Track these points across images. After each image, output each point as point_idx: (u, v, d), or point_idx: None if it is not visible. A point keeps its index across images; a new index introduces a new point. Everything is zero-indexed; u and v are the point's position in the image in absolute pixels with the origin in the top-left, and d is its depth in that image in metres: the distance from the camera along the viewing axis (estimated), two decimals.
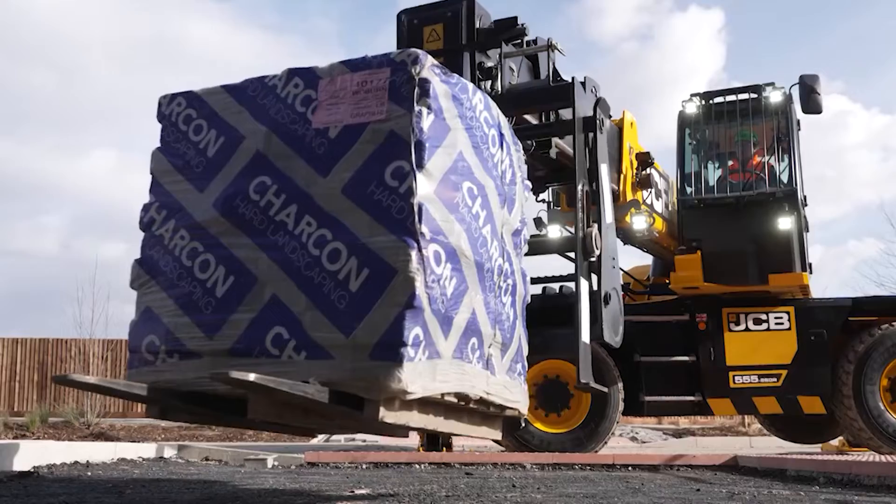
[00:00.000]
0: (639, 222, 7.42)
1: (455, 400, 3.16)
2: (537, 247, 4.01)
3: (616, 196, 6.94)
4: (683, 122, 8.73)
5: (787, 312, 8.01)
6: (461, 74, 4.35)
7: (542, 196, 7.52)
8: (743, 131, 8.55)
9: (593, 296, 3.91)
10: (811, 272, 8.15)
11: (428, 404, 3.11)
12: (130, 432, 13.47)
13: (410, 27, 4.57)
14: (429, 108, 3.04)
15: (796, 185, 8.14)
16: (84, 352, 15.49)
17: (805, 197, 8.33)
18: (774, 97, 8.41)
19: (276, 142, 3.20)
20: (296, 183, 3.12)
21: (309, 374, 2.90)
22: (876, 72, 43.91)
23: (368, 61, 3.16)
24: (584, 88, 6.17)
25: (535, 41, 4.85)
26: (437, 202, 3.01)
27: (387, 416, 2.89)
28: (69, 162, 42.69)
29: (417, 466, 6.53)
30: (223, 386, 2.86)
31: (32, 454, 5.64)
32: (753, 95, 8.46)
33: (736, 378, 7.89)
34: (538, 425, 7.70)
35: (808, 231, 8.24)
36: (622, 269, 9.37)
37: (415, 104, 3.02)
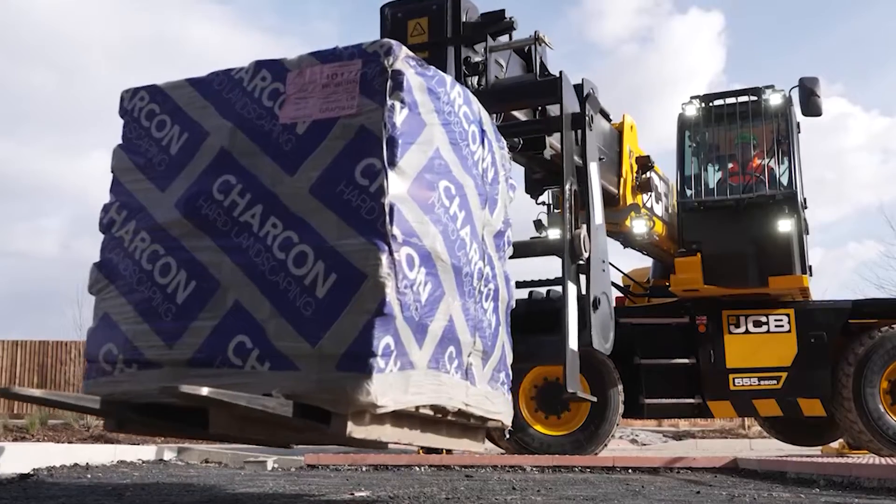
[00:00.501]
0: (639, 226, 7.36)
1: (431, 413, 2.95)
2: (523, 249, 3.79)
3: (616, 200, 6.99)
4: (683, 125, 8.66)
5: (787, 315, 7.93)
6: (446, 69, 4.14)
7: (543, 198, 7.36)
8: (743, 134, 8.46)
9: (582, 300, 3.68)
10: (811, 274, 8.05)
11: (402, 417, 2.89)
12: (130, 435, 13.26)
13: (394, 21, 4.37)
14: (402, 102, 2.82)
15: (796, 187, 8.05)
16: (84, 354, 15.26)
17: (805, 199, 8.24)
18: (774, 100, 8.31)
19: (241, 138, 2.98)
20: (261, 182, 2.90)
21: (273, 386, 2.68)
22: (876, 74, 43.64)
23: (339, 53, 2.94)
24: (582, 89, 5.97)
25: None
26: (410, 202, 2.80)
27: (355, 430, 2.67)
28: (69, 162, 42.56)
29: (417, 469, 6.44)
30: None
31: (32, 456, 5.61)
32: (753, 98, 8.37)
33: (736, 380, 7.82)
34: (538, 428, 7.64)
35: (807, 233, 8.15)
36: (621, 272, 9.39)
37: (387, 98, 2.81)
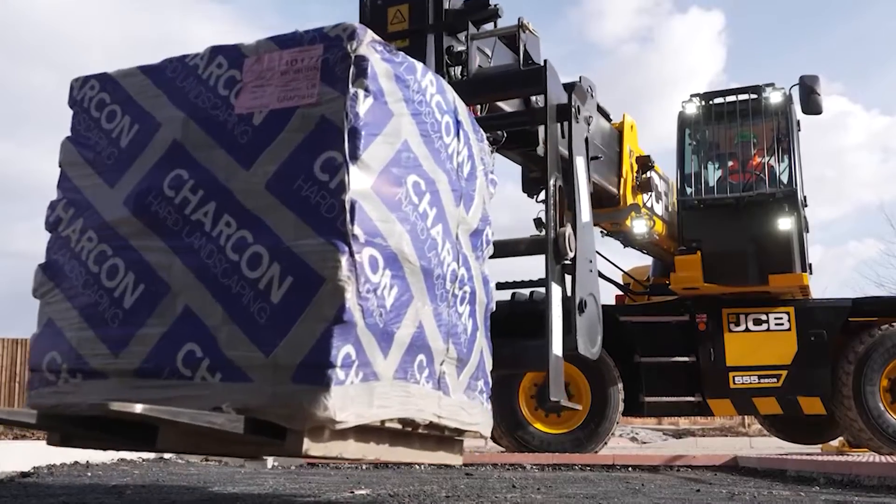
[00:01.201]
0: (639, 226, 7.30)
1: (400, 426, 2.69)
2: (504, 249, 3.53)
3: (616, 200, 6.90)
4: (683, 123, 8.60)
5: (787, 313, 7.90)
6: (426, 58, 3.88)
7: (543, 196, 7.13)
8: (743, 132, 8.40)
9: (567, 303, 3.43)
10: (811, 273, 7.99)
11: (368, 431, 2.63)
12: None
13: (374, 8, 4.10)
14: (366, 90, 2.56)
15: (796, 185, 7.99)
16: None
17: (805, 197, 8.18)
18: (774, 98, 8.26)
19: (194, 130, 2.72)
20: (215, 177, 2.64)
21: (224, 399, 2.43)
22: (876, 73, 43.27)
23: (299, 37, 2.68)
24: (580, 88, 5.70)
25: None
26: (374, 199, 2.54)
27: (313, 448, 2.42)
28: None
29: (417, 467, 6.31)
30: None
31: (32, 455, 5.54)
32: (753, 96, 8.32)
33: (736, 378, 7.80)
34: (538, 426, 7.58)
35: (808, 231, 8.09)
36: (621, 270, 9.27)
37: (350, 85, 2.54)
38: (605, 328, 7.61)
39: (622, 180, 7.03)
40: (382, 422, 2.58)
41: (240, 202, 2.59)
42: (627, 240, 7.94)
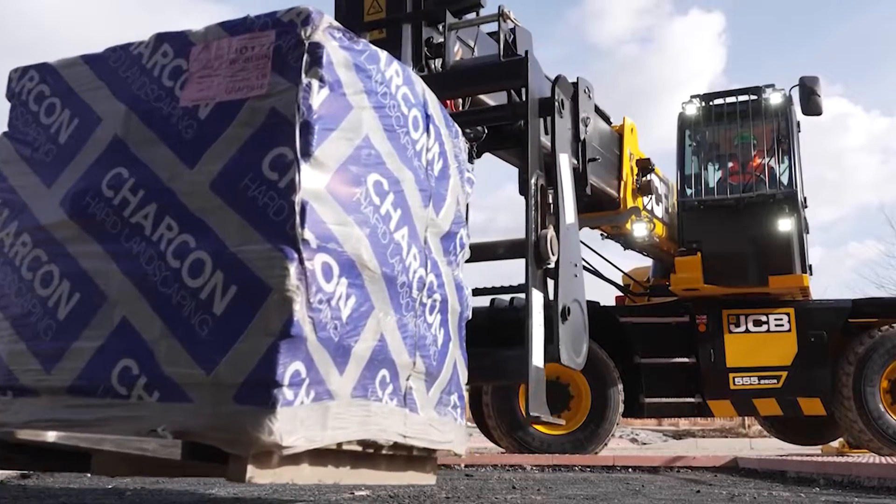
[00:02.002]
0: (639, 229, 7.24)
1: (360, 448, 2.44)
2: (481, 252, 3.28)
3: (616, 203, 6.80)
4: (683, 124, 8.54)
5: (787, 314, 7.83)
6: (403, 50, 3.62)
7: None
8: (743, 133, 8.32)
9: (549, 310, 3.16)
10: (811, 274, 7.91)
11: (325, 454, 2.37)
12: None
13: None
14: (321, 80, 2.30)
15: (796, 186, 7.92)
16: None
17: (805, 198, 8.12)
18: (774, 99, 8.19)
19: (136, 124, 2.46)
20: (157, 176, 2.38)
21: (160, 421, 2.17)
22: (877, 74, 42.92)
23: (250, 23, 2.42)
24: (577, 89, 5.46)
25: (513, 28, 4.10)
26: (328, 200, 2.27)
27: (258, 475, 2.16)
28: None
29: None
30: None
31: None
32: (753, 97, 8.26)
33: (736, 379, 7.74)
34: (538, 427, 7.45)
35: (808, 233, 8.01)
36: (621, 271, 9.12)
37: (302, 75, 2.29)
38: (605, 329, 7.62)
39: (622, 183, 6.92)
40: (339, 445, 2.32)
41: (183, 203, 2.33)
42: (628, 242, 7.88)
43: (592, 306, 8.08)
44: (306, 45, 2.31)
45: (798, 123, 8.25)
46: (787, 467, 5.80)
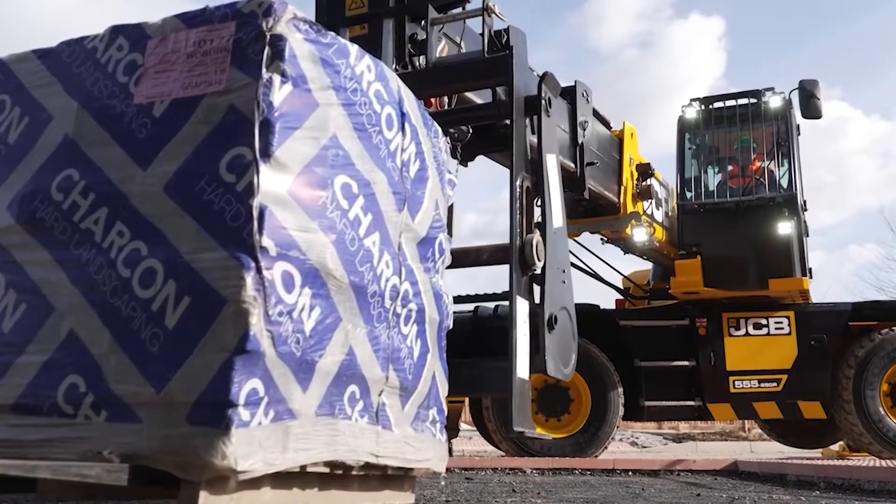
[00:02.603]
0: (640, 234, 7.17)
1: (327, 470, 2.26)
2: (464, 258, 3.10)
3: (617, 208, 6.71)
4: (683, 127, 8.45)
5: (788, 317, 7.72)
6: (384, 46, 3.44)
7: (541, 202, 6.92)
8: (743, 136, 8.23)
9: (535, 318, 2.97)
10: (811, 277, 7.81)
11: (289, 477, 2.19)
12: None
13: None
14: (284, 75, 2.12)
15: (796, 189, 7.81)
16: None
17: (805, 202, 8.03)
18: (774, 102, 8.08)
19: (89, 123, 2.29)
20: (108, 178, 2.21)
21: (108, 443, 2.00)
22: (876, 78, 42.70)
23: (209, 13, 2.24)
24: (576, 92, 5.27)
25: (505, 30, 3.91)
26: (290, 204, 2.10)
27: (212, 502, 1.98)
28: None
29: None
30: None
31: None
32: (753, 100, 8.14)
33: (736, 383, 7.64)
34: (538, 430, 7.20)
35: (807, 236, 7.91)
36: (621, 274, 9.00)
37: (263, 70, 2.11)
38: (605, 332, 7.49)
39: (622, 188, 6.87)
40: (303, 467, 2.14)
41: (135, 208, 2.15)
42: (628, 247, 7.84)
43: (592, 309, 8.02)
44: (268, 37, 2.13)
45: (798, 127, 8.20)
46: (788, 470, 5.73)
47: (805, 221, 7.90)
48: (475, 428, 8.44)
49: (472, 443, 12.19)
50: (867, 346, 7.49)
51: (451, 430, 8.59)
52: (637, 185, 7.23)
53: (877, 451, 7.39)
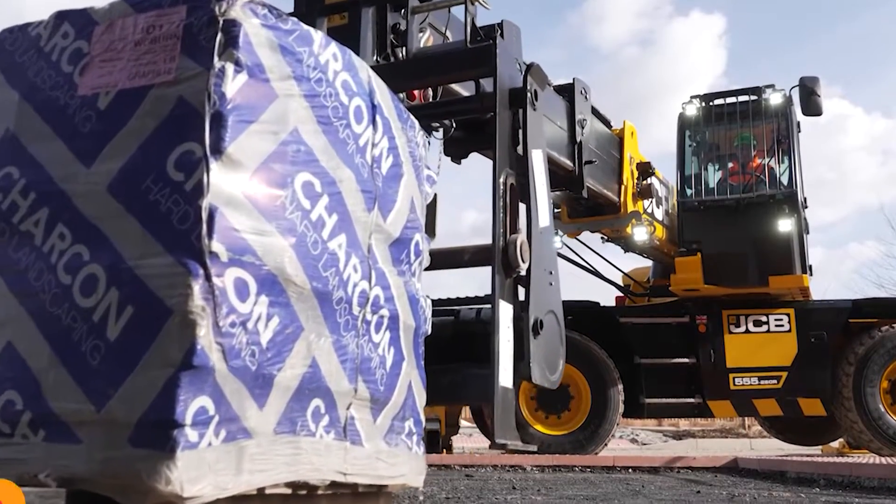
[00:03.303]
0: (640, 233, 7.16)
1: (289, 491, 2.08)
2: (444, 259, 2.92)
3: (617, 207, 6.69)
4: (684, 124, 8.46)
5: (788, 314, 7.75)
6: (363, 36, 3.25)
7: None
8: (743, 133, 8.25)
9: (520, 322, 2.79)
10: (811, 274, 7.79)
11: (248, 500, 2.01)
12: None
13: None
14: (237, 63, 1.93)
15: (796, 186, 7.83)
16: None
17: (805, 199, 8.03)
18: (774, 99, 8.09)
19: (30, 117, 2.10)
20: (50, 176, 2.03)
21: (46, 465, 1.82)
22: (877, 75, 42.41)
23: None
24: (574, 90, 5.09)
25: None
26: (244, 205, 1.91)
27: None
28: None
29: None
30: None
31: None
32: (753, 97, 8.16)
33: (736, 380, 7.67)
34: (538, 427, 7.45)
35: (808, 233, 7.91)
36: (621, 271, 8.90)
37: (215, 58, 1.93)
38: (605, 330, 7.39)
39: (623, 187, 6.83)
40: (261, 490, 1.96)
41: (77, 208, 1.97)
42: (628, 246, 7.84)
43: (592, 307, 7.94)
44: (220, 22, 1.94)
45: (798, 124, 8.17)
46: (788, 468, 5.73)
47: (805, 218, 7.88)
48: (475, 425, 8.33)
49: (472, 440, 12.10)
50: (867, 344, 7.45)
51: (451, 426, 8.48)
52: (637, 184, 7.17)
53: (877, 449, 7.40)
